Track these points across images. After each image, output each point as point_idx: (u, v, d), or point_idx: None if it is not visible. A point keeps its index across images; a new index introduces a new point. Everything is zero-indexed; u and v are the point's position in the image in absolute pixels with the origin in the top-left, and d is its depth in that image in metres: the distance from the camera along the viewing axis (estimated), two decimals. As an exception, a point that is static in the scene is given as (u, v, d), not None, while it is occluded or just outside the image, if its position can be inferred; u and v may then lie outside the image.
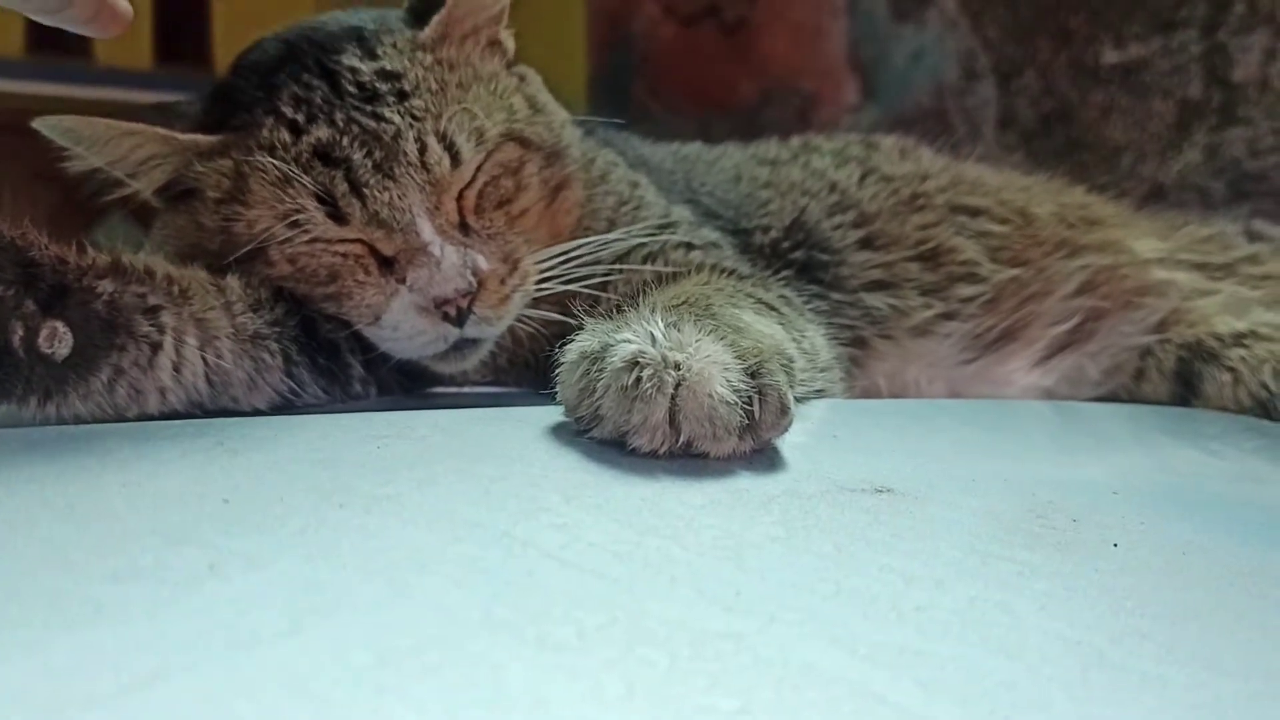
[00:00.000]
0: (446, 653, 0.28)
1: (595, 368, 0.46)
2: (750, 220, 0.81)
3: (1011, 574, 0.37)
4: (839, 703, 0.27)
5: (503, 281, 0.63)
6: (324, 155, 0.60)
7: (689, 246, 0.72)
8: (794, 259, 0.78)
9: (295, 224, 0.60)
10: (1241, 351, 0.77)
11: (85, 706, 0.24)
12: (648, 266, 0.68)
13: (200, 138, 0.61)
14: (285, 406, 0.62)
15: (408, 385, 0.70)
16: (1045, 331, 0.81)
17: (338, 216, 0.60)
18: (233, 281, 0.60)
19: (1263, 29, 1.17)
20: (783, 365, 0.47)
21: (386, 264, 0.62)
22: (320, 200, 0.59)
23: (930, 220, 0.82)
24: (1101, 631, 0.33)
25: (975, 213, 0.83)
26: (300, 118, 0.60)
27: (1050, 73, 1.36)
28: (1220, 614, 0.36)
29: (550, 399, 0.51)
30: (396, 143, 0.60)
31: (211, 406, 0.58)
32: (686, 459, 0.45)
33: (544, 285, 0.66)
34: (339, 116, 0.60)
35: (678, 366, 0.43)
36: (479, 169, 0.63)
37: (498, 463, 0.44)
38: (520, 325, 0.67)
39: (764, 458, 0.47)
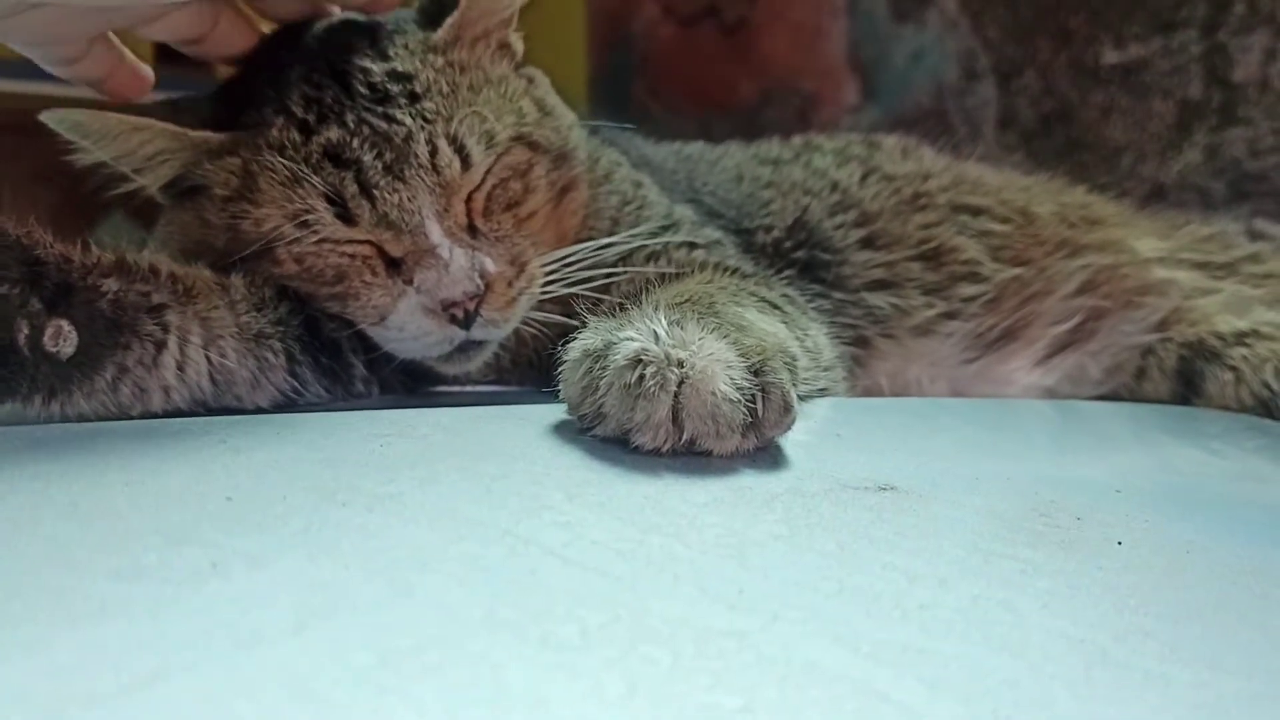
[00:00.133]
0: (448, 652, 0.28)
1: (598, 366, 0.46)
2: (752, 220, 0.81)
3: (1015, 572, 0.37)
4: (842, 701, 0.27)
5: (510, 284, 0.63)
6: (334, 156, 0.60)
7: (692, 246, 0.72)
8: (796, 258, 0.78)
9: (304, 224, 0.60)
10: (1243, 350, 0.77)
11: (87, 705, 0.24)
12: (651, 266, 0.68)
13: (210, 135, 0.61)
14: (288, 405, 0.62)
15: (410, 385, 0.70)
16: (1047, 331, 0.81)
17: (347, 217, 0.60)
18: (237, 280, 0.60)
19: (1263, 29, 1.17)
20: (786, 363, 0.47)
21: (394, 265, 0.62)
22: (329, 201, 0.59)
23: (932, 220, 0.82)
24: (1104, 630, 0.33)
25: (977, 212, 0.83)
26: (311, 118, 0.60)
27: (1050, 73, 1.36)
28: (1223, 613, 0.36)
29: (553, 397, 0.51)
30: (407, 145, 0.60)
31: (215, 405, 0.58)
32: (690, 457, 0.45)
33: (549, 287, 0.66)
34: (350, 117, 0.60)
35: (681, 364, 0.43)
36: (488, 172, 0.63)
37: (500, 461, 0.44)
38: (523, 326, 0.67)
39: (767, 456, 0.47)
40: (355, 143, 0.60)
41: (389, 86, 0.61)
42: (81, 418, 0.51)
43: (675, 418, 0.43)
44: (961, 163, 0.92)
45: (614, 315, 0.51)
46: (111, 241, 0.56)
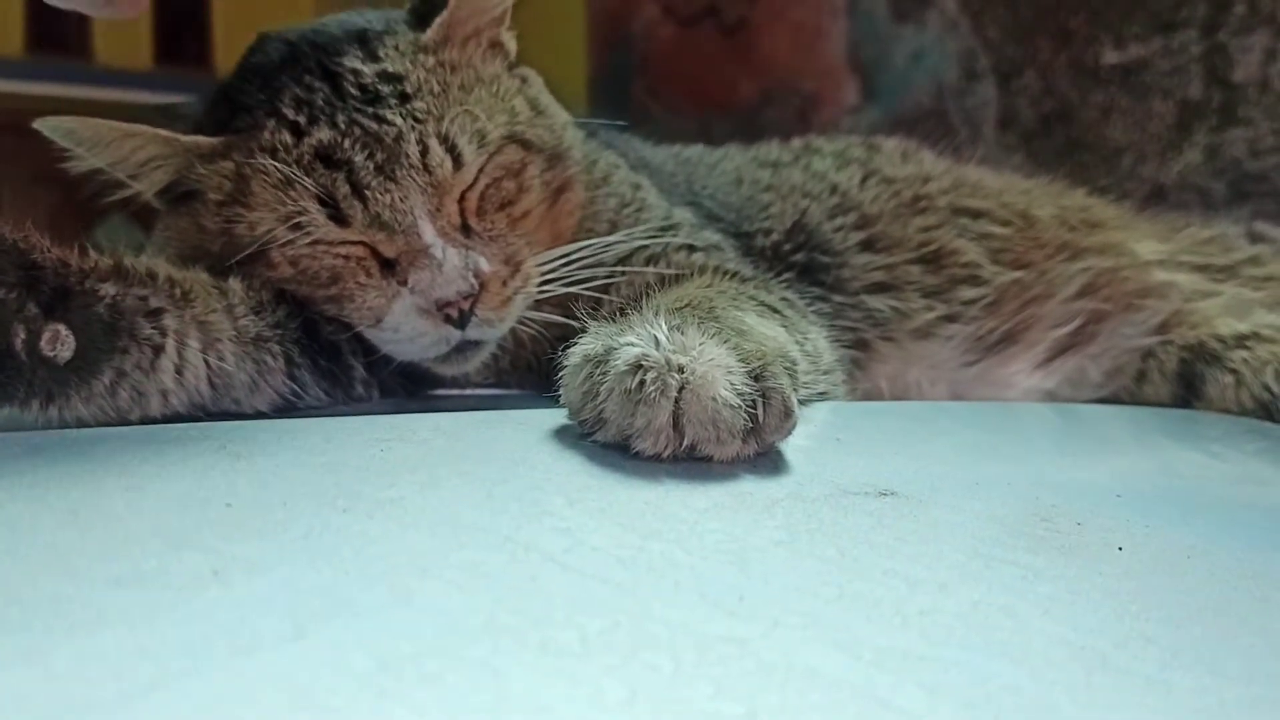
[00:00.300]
0: (449, 658, 0.28)
1: (599, 371, 0.46)
2: (752, 223, 0.81)
3: (1015, 578, 0.37)
4: (843, 707, 0.27)
5: (504, 283, 0.63)
6: (326, 157, 0.60)
7: (691, 248, 0.72)
8: (795, 261, 0.78)
9: (297, 226, 0.60)
10: (1243, 353, 0.77)
11: (87, 713, 0.24)
12: (650, 269, 0.68)
13: (202, 139, 0.61)
14: (287, 408, 0.62)
15: (409, 387, 0.70)
16: (1047, 334, 0.81)
17: (339, 218, 0.60)
18: (235, 284, 0.60)
19: (1263, 29, 1.17)
20: (786, 368, 0.47)
21: (388, 266, 0.62)
22: (322, 202, 0.59)
23: (932, 222, 0.82)
24: (1105, 636, 0.33)
25: (977, 215, 0.83)
26: (302, 120, 0.60)
27: (1050, 73, 1.36)
28: (1223, 618, 0.36)
29: (553, 401, 0.51)
30: (398, 145, 0.60)
31: (213, 409, 0.58)
32: (690, 462, 0.45)
33: (546, 287, 0.66)
34: (341, 119, 0.60)
35: (681, 370, 0.43)
36: (481, 171, 0.63)
37: (500, 466, 0.44)
38: (522, 327, 0.67)
39: (767, 461, 0.47)
40: (346, 144, 0.60)
41: (379, 87, 0.61)
42: (79, 422, 0.51)
43: (676, 423, 0.43)
44: (962, 166, 0.92)
45: (614, 319, 0.51)
46: (110, 244, 0.56)
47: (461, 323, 0.61)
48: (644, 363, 0.44)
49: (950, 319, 0.80)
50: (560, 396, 0.50)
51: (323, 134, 0.60)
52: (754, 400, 0.44)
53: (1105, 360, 0.82)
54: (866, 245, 0.81)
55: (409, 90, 0.62)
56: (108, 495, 0.38)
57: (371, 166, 0.59)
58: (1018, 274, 0.81)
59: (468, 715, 0.25)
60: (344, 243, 0.61)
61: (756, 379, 0.45)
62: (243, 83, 0.64)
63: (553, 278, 0.66)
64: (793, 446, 0.49)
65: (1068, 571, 0.38)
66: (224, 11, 2.66)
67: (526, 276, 0.64)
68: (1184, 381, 0.80)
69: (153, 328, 0.54)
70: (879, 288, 0.79)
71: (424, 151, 0.60)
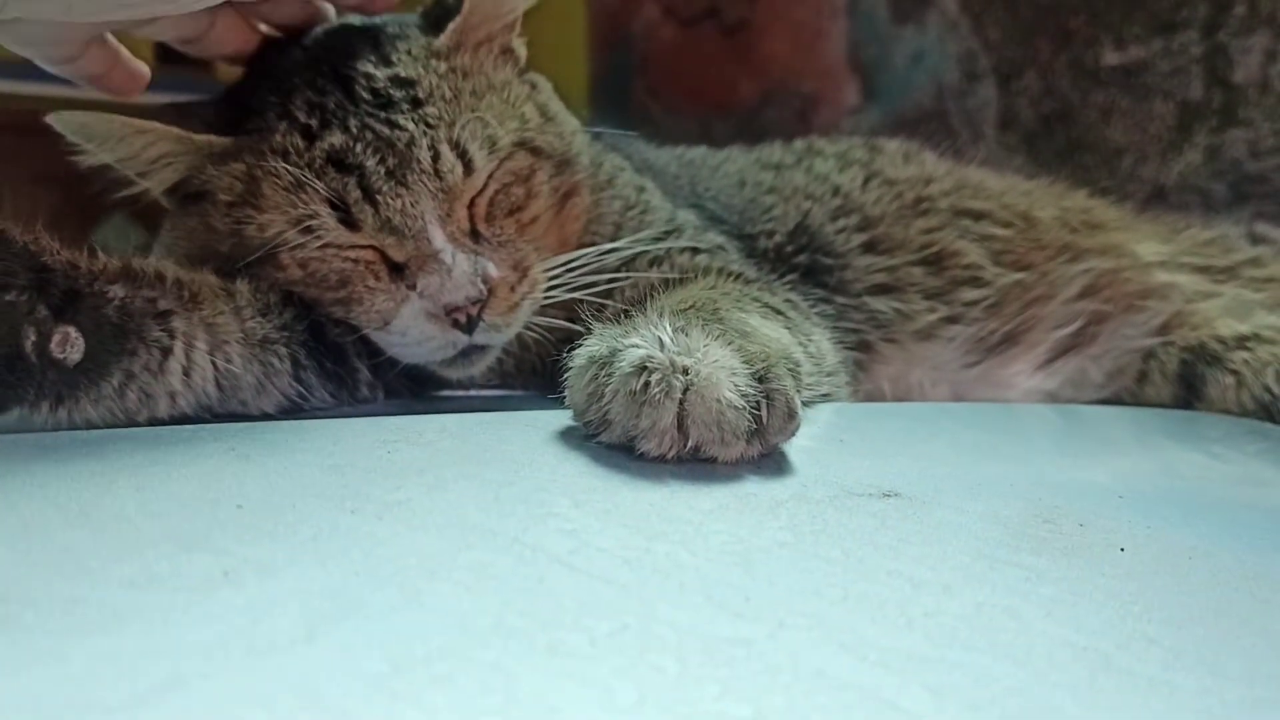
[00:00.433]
0: (459, 661, 0.28)
1: (604, 373, 0.46)
2: (754, 225, 0.81)
3: (1018, 579, 0.37)
4: (849, 709, 0.27)
5: (513, 289, 0.63)
6: (337, 161, 0.60)
7: (695, 251, 0.72)
8: (798, 263, 0.79)
9: (307, 229, 0.60)
10: (1244, 354, 0.77)
11: (101, 715, 0.25)
12: (654, 271, 0.69)
13: (214, 139, 0.61)
14: (293, 410, 0.62)
15: (414, 389, 0.71)
16: (1048, 335, 0.82)
17: (350, 222, 0.60)
18: (242, 286, 0.60)
19: (1263, 30, 1.17)
20: (790, 370, 0.48)
21: (397, 270, 0.62)
22: (333, 206, 0.60)
23: (934, 224, 0.82)
24: (1108, 637, 0.34)
25: (979, 216, 0.84)
26: (314, 123, 0.61)
27: (1051, 74, 1.36)
28: (1225, 619, 0.36)
29: (557, 403, 0.52)
30: (410, 150, 0.60)
31: (220, 410, 0.58)
32: (694, 463, 0.45)
33: (552, 292, 0.66)
34: (353, 123, 0.60)
35: (686, 371, 0.44)
36: (491, 177, 0.63)
37: (506, 468, 0.45)
38: (527, 331, 0.67)
39: (771, 462, 0.47)
40: (358, 148, 0.60)
41: (392, 92, 0.61)
42: (88, 424, 0.51)
43: (680, 425, 0.44)
44: (963, 167, 0.92)
45: (618, 321, 0.51)
46: (113, 243, 0.57)
47: (469, 328, 0.61)
48: (649, 364, 0.44)
49: (952, 320, 0.80)
50: (565, 398, 0.50)
51: (334, 138, 0.60)
52: (758, 402, 0.44)
53: (1106, 361, 0.82)
54: (869, 247, 0.81)
55: (421, 95, 0.62)
56: (119, 497, 0.38)
57: (383, 171, 0.60)
58: (1019, 275, 0.82)
59: (479, 717, 0.26)
60: (354, 246, 0.61)
61: (760, 380, 0.45)
62: (255, 84, 0.64)
63: (558, 282, 0.66)
64: (796, 447, 0.49)
65: (1070, 573, 0.39)
66: (225, 12, 2.66)
67: (534, 282, 0.64)
68: (1185, 382, 0.80)
69: (161, 330, 0.54)
70: (881, 289, 0.80)
71: (435, 157, 0.60)
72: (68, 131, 0.59)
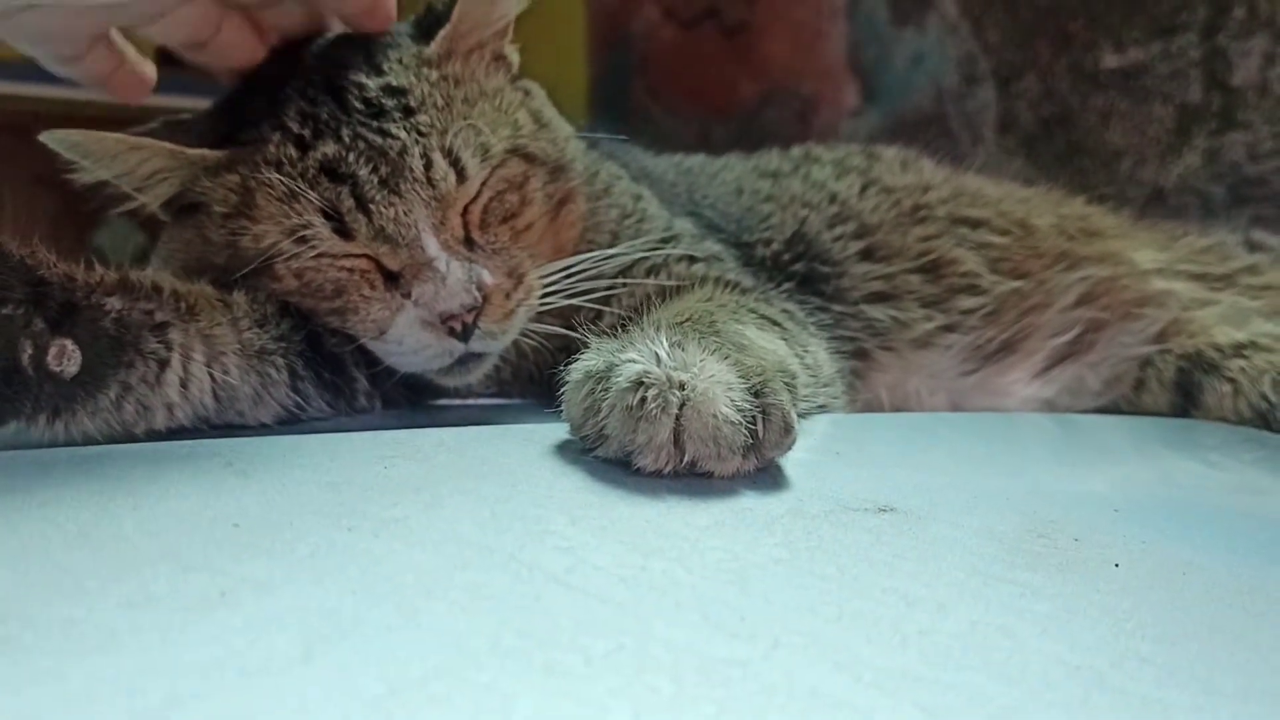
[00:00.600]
0: (455, 682, 0.28)
1: (600, 387, 0.46)
2: (752, 233, 0.81)
3: (1013, 596, 0.38)
4: (844, 731, 0.28)
5: (507, 296, 0.63)
6: (330, 171, 0.60)
7: (692, 259, 0.72)
8: (795, 271, 0.79)
9: (302, 239, 0.60)
10: (1241, 362, 0.78)
11: (101, 736, 0.25)
12: (651, 280, 0.69)
13: (207, 152, 0.62)
14: (290, 420, 0.63)
15: (412, 398, 0.71)
16: (1045, 343, 0.82)
17: (344, 232, 0.60)
18: (239, 297, 0.60)
19: (1262, 33, 1.17)
20: (786, 383, 0.48)
21: (392, 279, 0.62)
22: (326, 216, 0.60)
23: (931, 232, 0.83)
24: (1102, 655, 0.34)
25: (976, 224, 0.84)
26: (307, 133, 0.61)
27: (1050, 77, 1.36)
28: (1220, 635, 0.36)
29: (554, 416, 0.52)
30: (402, 158, 0.60)
31: (218, 421, 0.58)
32: (691, 478, 0.45)
33: (548, 299, 0.66)
34: (345, 132, 0.61)
35: (682, 386, 0.44)
36: (484, 184, 0.63)
37: (503, 483, 0.45)
38: (523, 339, 0.67)
39: (768, 476, 0.47)
40: (351, 157, 0.60)
41: (384, 101, 0.62)
42: (85, 436, 0.51)
43: (677, 440, 0.44)
44: (961, 174, 0.92)
45: (615, 334, 0.51)
46: (112, 244, 0.57)
47: (465, 335, 0.62)
48: (645, 380, 0.44)
49: (949, 328, 0.80)
50: (561, 410, 0.50)
51: (327, 147, 0.60)
52: (754, 416, 0.44)
53: (1104, 369, 0.83)
54: (866, 254, 0.81)
55: (413, 104, 0.62)
56: (116, 515, 0.38)
57: (376, 180, 0.60)
58: (1016, 283, 0.82)
59: (475, 739, 0.26)
60: (348, 256, 0.61)
61: (757, 395, 0.45)
62: (248, 95, 0.65)
63: (555, 290, 0.66)
64: (792, 460, 0.49)
65: (1065, 589, 0.39)
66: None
67: (529, 289, 0.65)
68: (1182, 390, 0.80)
69: (158, 342, 0.54)
70: (878, 297, 0.80)
71: (428, 165, 0.61)
72: (61, 149, 0.59)
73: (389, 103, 0.62)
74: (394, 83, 0.63)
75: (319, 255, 0.61)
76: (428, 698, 0.28)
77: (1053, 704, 0.30)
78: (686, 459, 0.44)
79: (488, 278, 0.62)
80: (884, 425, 0.69)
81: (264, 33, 0.67)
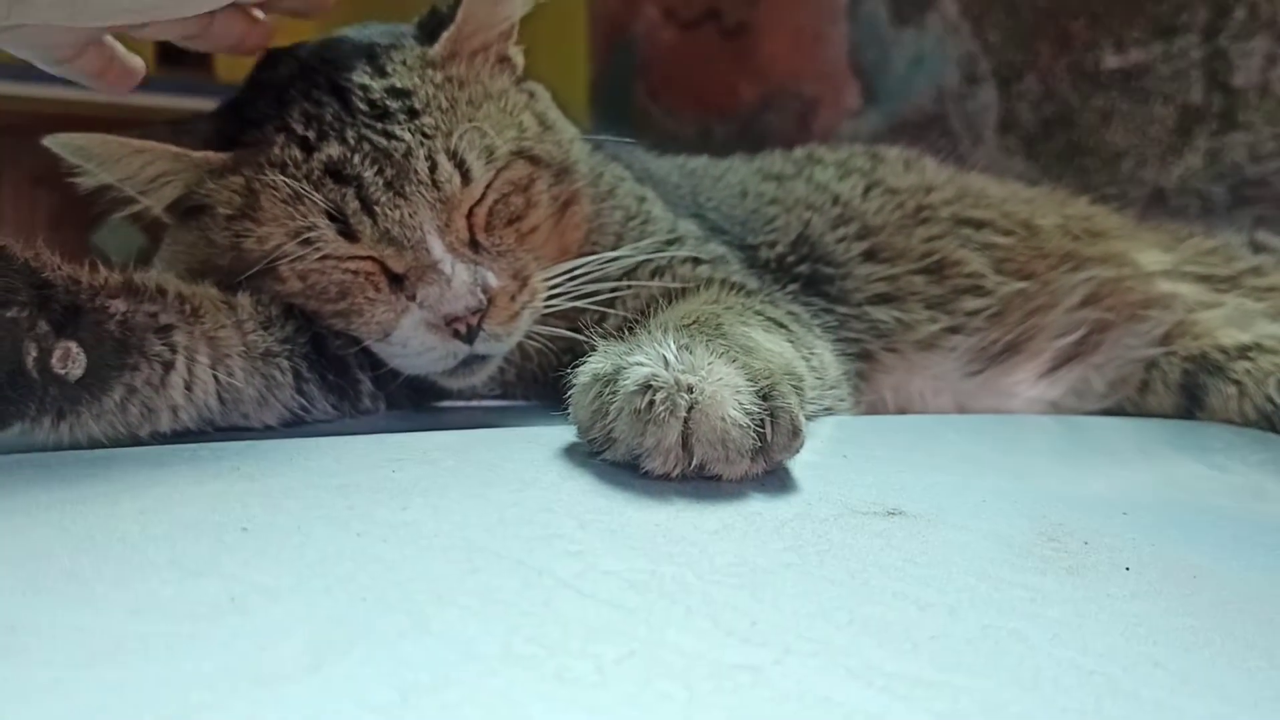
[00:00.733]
0: (468, 689, 0.28)
1: (608, 390, 0.46)
2: (756, 235, 0.81)
3: (1023, 600, 0.37)
4: (858, 739, 0.27)
5: (512, 298, 0.63)
6: (335, 173, 0.60)
7: (696, 261, 0.72)
8: (799, 273, 0.79)
9: (306, 241, 0.60)
10: (1246, 364, 0.77)
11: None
12: (655, 282, 0.69)
13: (211, 155, 0.62)
14: (295, 422, 0.62)
15: (416, 400, 0.71)
16: (1050, 344, 0.82)
17: (349, 234, 0.60)
18: (243, 299, 0.60)
19: (1263, 34, 1.17)
20: (793, 386, 0.48)
21: (397, 281, 0.62)
22: (331, 218, 0.60)
23: (935, 233, 0.82)
24: (1114, 660, 0.33)
25: (980, 225, 0.84)
26: (311, 135, 0.61)
27: (1051, 77, 1.36)
28: (1231, 641, 0.36)
29: (559, 417, 0.52)
30: (407, 161, 0.60)
31: (222, 424, 0.58)
32: (699, 481, 0.45)
33: (553, 301, 0.66)
34: (350, 134, 0.60)
35: (690, 390, 0.44)
36: (489, 186, 0.63)
37: (511, 486, 0.45)
38: (528, 340, 0.67)
39: (775, 479, 0.47)
40: (356, 159, 0.60)
41: (388, 103, 0.62)
42: (90, 439, 0.51)
43: (685, 443, 0.44)
44: (965, 175, 0.92)
45: (622, 336, 0.51)
46: (113, 243, 0.56)
47: (470, 337, 0.61)
48: (653, 383, 0.44)
49: (954, 330, 0.80)
50: (569, 413, 0.50)
51: (332, 149, 0.60)
52: (762, 419, 0.44)
53: (1109, 370, 0.82)
54: (869, 256, 0.81)
55: (417, 106, 0.62)
56: (123, 520, 0.38)
57: (381, 182, 0.60)
58: (1021, 284, 0.82)
59: (488, 748, 0.26)
60: (353, 258, 0.61)
61: (764, 398, 0.45)
62: (252, 97, 0.64)
63: (559, 291, 0.66)
64: (800, 463, 0.49)
65: (1076, 594, 0.38)
66: (224, 14, 2.66)
67: (534, 291, 0.64)
68: (1187, 392, 0.80)
69: (163, 344, 0.54)
70: (882, 299, 0.80)
71: (432, 167, 0.60)
72: (66, 153, 0.59)
73: (393, 104, 0.61)
74: (398, 84, 0.62)
75: (324, 257, 0.61)
76: (440, 705, 0.27)
77: (1067, 710, 0.30)
78: (695, 462, 0.44)
79: (493, 280, 0.62)
80: (890, 427, 0.69)
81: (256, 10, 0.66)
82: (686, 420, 0.43)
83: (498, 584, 0.35)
